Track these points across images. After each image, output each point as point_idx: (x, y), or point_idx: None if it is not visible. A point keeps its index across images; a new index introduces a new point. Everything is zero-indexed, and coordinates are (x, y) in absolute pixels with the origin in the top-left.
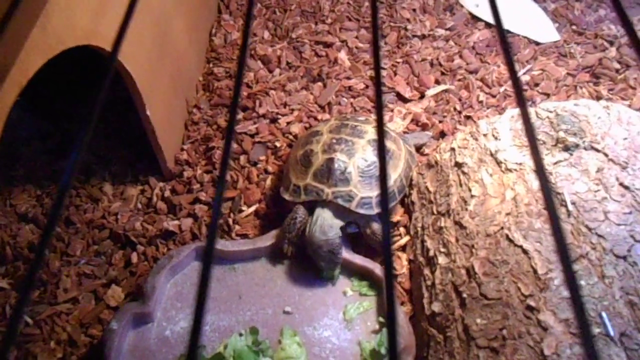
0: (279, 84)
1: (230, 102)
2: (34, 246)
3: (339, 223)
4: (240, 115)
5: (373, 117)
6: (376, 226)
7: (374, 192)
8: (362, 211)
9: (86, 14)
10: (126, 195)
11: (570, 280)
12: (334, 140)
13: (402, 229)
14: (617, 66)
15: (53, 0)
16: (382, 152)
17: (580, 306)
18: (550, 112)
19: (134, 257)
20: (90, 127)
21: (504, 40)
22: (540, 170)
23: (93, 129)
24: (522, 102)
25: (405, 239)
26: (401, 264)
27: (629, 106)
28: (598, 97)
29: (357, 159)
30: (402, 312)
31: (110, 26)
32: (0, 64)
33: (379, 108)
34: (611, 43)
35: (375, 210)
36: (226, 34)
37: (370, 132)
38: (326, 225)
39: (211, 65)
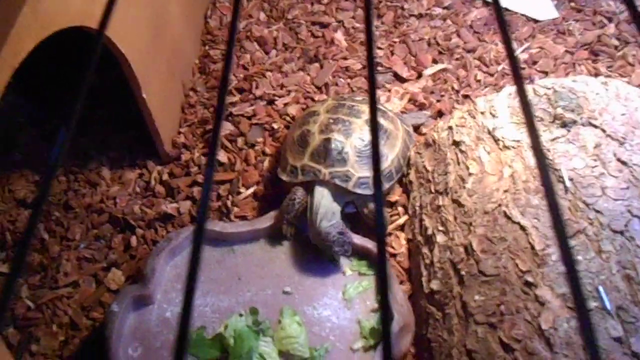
0: (275, 66)
1: (227, 85)
2: (26, 230)
3: (338, 207)
4: (236, 97)
5: None
6: (373, 205)
7: (371, 172)
8: (359, 191)
9: None
10: (124, 179)
11: (566, 254)
12: (331, 120)
13: (400, 209)
14: (616, 43)
15: None
16: (375, 132)
17: (576, 280)
18: (548, 88)
19: (134, 241)
20: (78, 104)
21: (501, 17)
22: (536, 147)
23: (83, 109)
24: (518, 79)
25: (403, 218)
26: (400, 243)
27: (628, 83)
28: (596, 74)
29: (354, 139)
30: (401, 291)
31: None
32: None
33: (371, 88)
34: (610, 20)
35: (373, 190)
36: (221, 16)
37: (368, 112)
38: (328, 212)
39: (207, 47)
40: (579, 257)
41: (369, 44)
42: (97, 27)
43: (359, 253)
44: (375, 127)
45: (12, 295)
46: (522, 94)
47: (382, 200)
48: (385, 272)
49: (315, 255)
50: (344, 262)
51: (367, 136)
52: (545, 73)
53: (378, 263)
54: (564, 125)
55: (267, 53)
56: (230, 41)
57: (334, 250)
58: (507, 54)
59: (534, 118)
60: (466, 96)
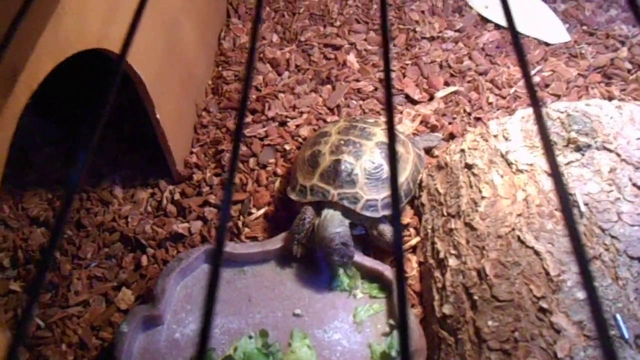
0: (288, 87)
1: (240, 105)
2: (45, 249)
3: (347, 221)
4: (249, 119)
5: (382, 119)
6: (382, 227)
7: (380, 195)
8: (367, 214)
9: (97, 17)
10: (136, 199)
11: (587, 281)
12: (342, 142)
13: (412, 230)
14: (629, 66)
15: (64, 3)
16: (392, 154)
17: (598, 308)
18: (562, 112)
19: (144, 260)
20: (99, 127)
21: (516, 41)
22: (555, 171)
23: (102, 131)
24: (535, 102)
25: (415, 241)
26: (411, 266)
27: None
28: (610, 98)
29: (364, 161)
30: (413, 315)
31: (121, 30)
32: (11, 67)
33: (389, 109)
34: (622, 43)
35: (381, 213)
36: (235, 37)
37: (379, 135)
38: (336, 221)
39: (220, 68)
40: (595, 284)
41: (386, 66)
42: (114, 49)
43: (370, 276)
44: (393, 147)
45: (30, 318)
46: (539, 118)
47: (399, 220)
48: (404, 292)
49: (326, 278)
50: (345, 279)
51: (377, 159)
52: (558, 96)
53: (397, 282)
54: (578, 149)
55: (279, 75)
56: (248, 69)
57: (333, 258)
58: (523, 77)
59: (551, 143)
60: (478, 119)
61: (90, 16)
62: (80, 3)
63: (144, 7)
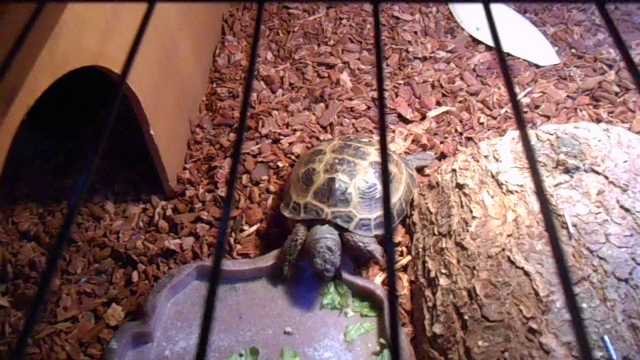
0: (281, 105)
1: (234, 122)
2: (34, 264)
3: (336, 232)
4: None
5: (376, 138)
6: (358, 238)
7: (372, 214)
8: (360, 232)
9: (94, 35)
10: (128, 214)
11: (571, 303)
12: (337, 160)
13: (403, 249)
14: (617, 89)
15: (62, 22)
16: (386, 175)
17: (582, 330)
18: (551, 134)
19: (135, 276)
20: (99, 149)
21: (503, 62)
22: (540, 193)
23: (98, 149)
24: (521, 124)
25: (406, 259)
26: (402, 285)
27: (629, 129)
28: (598, 120)
29: (358, 180)
30: (403, 334)
31: (117, 47)
32: (10, 85)
33: (382, 129)
34: (610, 67)
35: (374, 232)
36: (230, 54)
37: (373, 154)
38: (325, 230)
39: (214, 85)
40: (584, 305)
41: (380, 86)
42: (110, 66)
43: (361, 294)
44: (385, 166)
45: (31, 335)
46: (525, 139)
47: (392, 241)
48: (395, 310)
49: (317, 296)
50: (336, 297)
51: (371, 178)
52: (547, 117)
53: (390, 300)
54: (566, 171)
55: (273, 92)
56: (247, 90)
57: (315, 261)
58: (510, 99)
59: (537, 163)
60: (469, 138)
61: (87, 34)
62: (77, 21)
63: (145, 29)
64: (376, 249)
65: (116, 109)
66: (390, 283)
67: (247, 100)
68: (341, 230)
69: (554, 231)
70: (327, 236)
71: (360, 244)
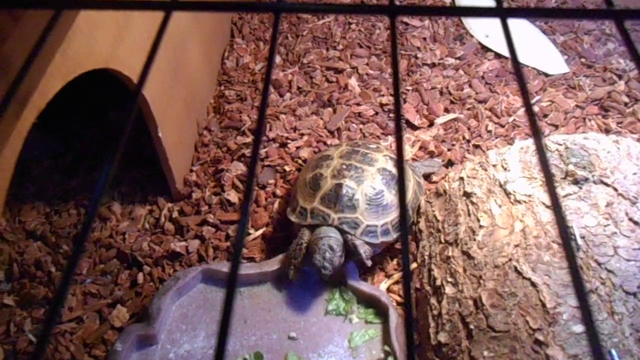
0: (289, 109)
1: (241, 125)
2: (40, 264)
3: (340, 235)
4: (249, 139)
5: (383, 144)
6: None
7: (379, 221)
8: (366, 239)
9: (106, 38)
10: (134, 215)
11: (585, 316)
12: (344, 166)
13: (409, 256)
14: (626, 100)
15: (75, 25)
16: (401, 169)
17: (596, 341)
18: (560, 144)
19: (140, 278)
20: (115, 159)
21: (518, 73)
22: (555, 204)
23: (100, 145)
24: (537, 134)
25: (412, 266)
26: None
27: (638, 140)
28: (607, 130)
29: (365, 187)
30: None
31: (128, 50)
32: (24, 88)
33: (398, 138)
34: (620, 77)
35: (380, 239)
36: (238, 57)
37: (381, 161)
38: (330, 230)
39: (222, 88)
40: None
41: (397, 100)
42: (122, 69)
43: (366, 301)
44: (401, 164)
45: (48, 340)
46: (540, 150)
47: (407, 244)
48: (409, 300)
49: (322, 301)
50: (341, 303)
51: (378, 185)
52: (556, 126)
53: (405, 302)
54: (575, 182)
55: (281, 96)
56: (262, 106)
57: (315, 257)
58: (525, 109)
59: (552, 177)
60: (477, 146)
61: (99, 37)
62: (90, 24)
63: (162, 38)
64: (365, 250)
65: (132, 121)
66: (405, 284)
67: (263, 113)
68: (345, 234)
69: (569, 244)
70: (330, 235)
71: (351, 243)
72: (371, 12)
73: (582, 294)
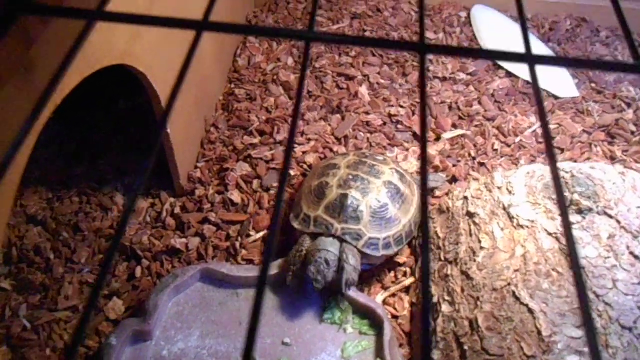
0: None
1: (249, 125)
2: (40, 250)
3: (338, 248)
4: (257, 140)
5: (389, 155)
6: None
7: (382, 234)
8: (368, 251)
9: (123, 34)
10: (136, 208)
11: (592, 347)
12: (351, 177)
13: (408, 270)
14: (633, 128)
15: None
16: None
17: None
18: (566, 172)
19: (138, 271)
20: (150, 166)
21: (539, 101)
22: (568, 234)
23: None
24: (553, 164)
25: (409, 281)
26: (403, 306)
27: None
28: (612, 158)
29: (370, 199)
30: (401, 355)
31: (145, 47)
32: (44, 87)
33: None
34: (629, 105)
35: (381, 252)
36: (250, 56)
37: (387, 174)
38: (329, 243)
39: (233, 86)
40: (585, 349)
41: (423, 133)
42: (137, 66)
43: (362, 312)
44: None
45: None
46: (556, 180)
47: (428, 240)
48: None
49: (318, 309)
50: (337, 312)
51: (383, 198)
52: (562, 150)
53: (422, 304)
54: (580, 212)
55: (291, 99)
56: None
57: (308, 268)
58: (544, 138)
59: (566, 207)
60: (482, 164)
61: (118, 33)
62: None
63: (192, 58)
64: (349, 279)
65: (157, 147)
66: (424, 288)
67: (292, 139)
68: (342, 253)
69: (581, 278)
70: (329, 250)
71: (342, 265)
72: (402, 48)
73: (590, 326)
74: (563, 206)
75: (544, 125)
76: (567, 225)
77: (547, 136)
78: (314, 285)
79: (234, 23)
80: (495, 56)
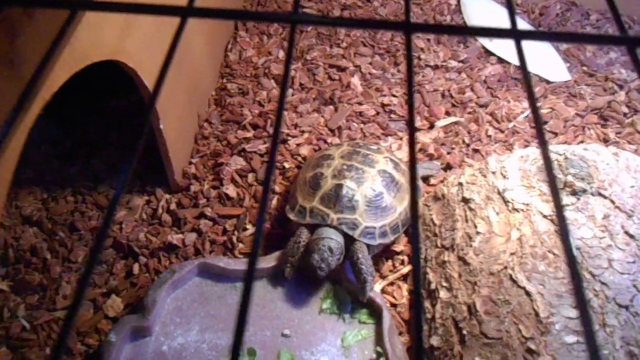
0: (291, 105)
1: (242, 119)
2: (36, 250)
3: (341, 237)
4: (250, 134)
5: (383, 144)
6: (361, 255)
7: (377, 223)
8: (364, 240)
9: (113, 30)
10: (132, 205)
11: (587, 326)
12: (345, 167)
13: (405, 258)
14: (626, 110)
15: (84, 17)
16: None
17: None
18: (560, 155)
19: (136, 268)
20: (134, 162)
21: (527, 77)
22: (560, 215)
23: (97, 132)
24: (544, 147)
25: (407, 269)
26: (401, 294)
27: (635, 151)
28: (605, 140)
29: (365, 188)
30: (400, 343)
31: (135, 43)
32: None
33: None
34: (620, 87)
35: (378, 241)
36: (241, 50)
37: (381, 162)
38: (331, 232)
39: (225, 80)
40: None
41: (411, 117)
42: (128, 62)
43: (361, 301)
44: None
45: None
46: (547, 161)
47: (417, 227)
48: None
49: (317, 300)
50: (335, 302)
51: (378, 187)
52: (555, 134)
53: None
54: (574, 193)
55: None
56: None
57: (312, 257)
58: (535, 122)
59: (558, 189)
60: (476, 150)
61: (107, 28)
62: (98, 15)
63: (177, 44)
64: (368, 270)
65: (147, 130)
66: (415, 277)
67: (277, 132)
68: (347, 238)
69: (574, 259)
70: (332, 237)
71: (358, 259)
72: (387, 28)
73: (583, 305)
74: (554, 189)
75: (533, 105)
76: (559, 207)
77: (537, 117)
78: (317, 273)
79: (218, 8)
80: (481, 32)
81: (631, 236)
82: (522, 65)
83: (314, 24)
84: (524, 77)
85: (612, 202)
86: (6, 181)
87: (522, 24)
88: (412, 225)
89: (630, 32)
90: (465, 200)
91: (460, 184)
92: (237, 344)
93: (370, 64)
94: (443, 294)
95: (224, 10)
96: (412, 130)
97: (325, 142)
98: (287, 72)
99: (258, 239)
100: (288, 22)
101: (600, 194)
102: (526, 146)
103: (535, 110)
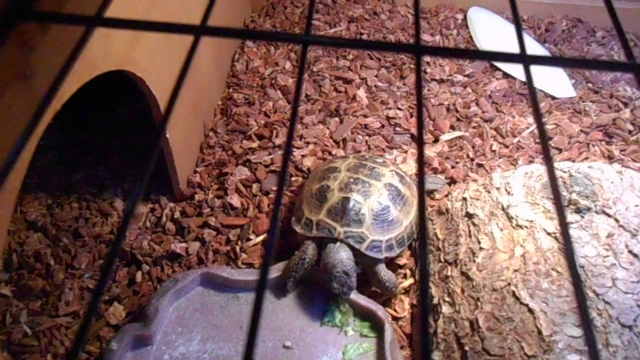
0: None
1: (247, 129)
2: (40, 256)
3: (351, 253)
4: (255, 144)
5: (388, 157)
6: (379, 267)
7: (384, 237)
8: (370, 254)
9: (122, 41)
10: (136, 213)
11: (592, 348)
12: (352, 180)
13: (408, 272)
14: (630, 127)
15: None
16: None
17: None
18: (564, 172)
19: (138, 276)
20: (147, 175)
21: (534, 101)
22: (565, 232)
23: (102, 141)
24: (550, 163)
25: (409, 282)
26: (403, 307)
27: None
28: (609, 157)
29: (372, 202)
30: (401, 357)
31: (143, 53)
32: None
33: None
34: (625, 104)
35: (384, 255)
36: (248, 60)
37: (387, 176)
38: (342, 251)
39: (231, 90)
40: (586, 348)
41: (420, 136)
42: (137, 72)
43: (363, 314)
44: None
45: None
46: (552, 178)
47: (425, 240)
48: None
49: (319, 312)
50: (337, 315)
51: (384, 200)
52: (559, 150)
53: (420, 299)
54: (578, 211)
55: (289, 102)
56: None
57: (332, 285)
58: (540, 140)
59: (563, 206)
60: (480, 165)
61: (116, 39)
62: None
63: (190, 62)
64: (380, 270)
65: (156, 153)
66: (423, 284)
67: (288, 154)
68: (354, 251)
69: (577, 273)
70: (343, 258)
71: (382, 279)
72: (398, 50)
73: (587, 324)
74: (560, 206)
75: (539, 124)
76: (563, 225)
77: (543, 136)
78: (343, 297)
79: (231, 27)
80: (490, 57)
81: (635, 255)
82: (530, 86)
83: (325, 45)
84: (531, 98)
85: (617, 220)
86: (15, 189)
87: (528, 40)
88: (420, 245)
89: (636, 50)
90: (469, 216)
91: (465, 199)
92: (249, 356)
93: (376, 76)
94: (445, 309)
95: (237, 30)
96: (420, 148)
97: (330, 153)
98: (299, 92)
99: (270, 248)
100: (300, 42)
101: (604, 212)
102: (530, 162)
103: (541, 128)
